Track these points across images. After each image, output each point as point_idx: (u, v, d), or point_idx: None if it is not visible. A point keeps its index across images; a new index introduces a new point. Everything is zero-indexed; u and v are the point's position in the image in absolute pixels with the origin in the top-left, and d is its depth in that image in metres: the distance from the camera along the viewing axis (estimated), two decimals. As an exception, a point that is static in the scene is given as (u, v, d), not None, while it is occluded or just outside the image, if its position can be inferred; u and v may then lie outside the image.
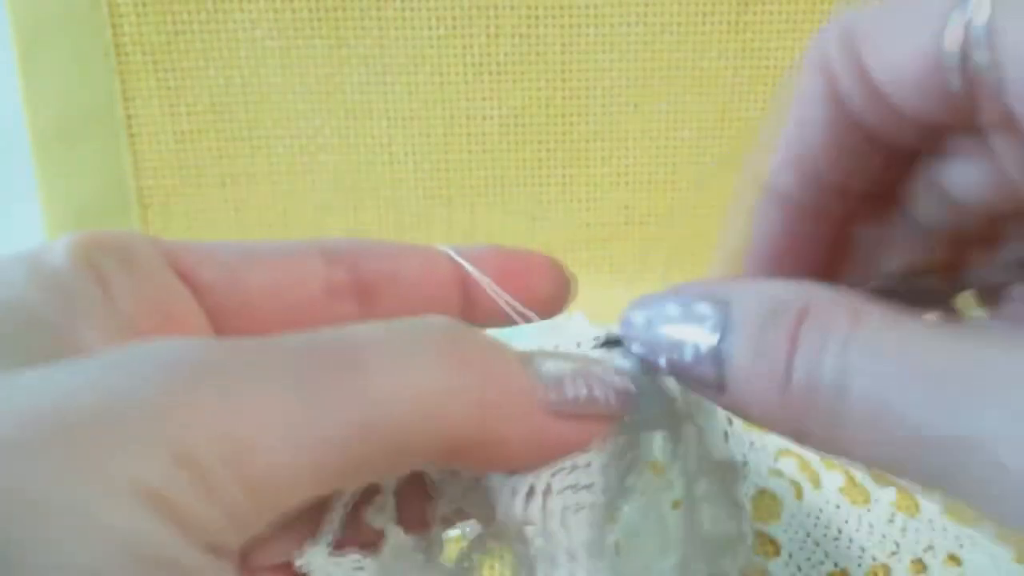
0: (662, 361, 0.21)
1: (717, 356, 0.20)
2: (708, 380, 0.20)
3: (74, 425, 0.15)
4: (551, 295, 0.25)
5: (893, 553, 0.39)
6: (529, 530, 0.20)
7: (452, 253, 0.24)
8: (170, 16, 0.47)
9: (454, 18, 0.48)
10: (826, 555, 0.39)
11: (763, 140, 0.24)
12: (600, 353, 0.23)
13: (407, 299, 0.24)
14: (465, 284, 0.24)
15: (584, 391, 0.20)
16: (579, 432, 0.21)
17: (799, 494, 0.41)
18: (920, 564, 0.38)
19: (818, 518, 0.40)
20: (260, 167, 0.50)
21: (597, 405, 0.21)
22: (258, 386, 0.17)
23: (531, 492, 0.20)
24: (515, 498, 0.20)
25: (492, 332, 0.24)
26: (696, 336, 0.20)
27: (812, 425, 0.18)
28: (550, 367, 0.20)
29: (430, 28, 0.48)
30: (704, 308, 0.20)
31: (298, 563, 0.21)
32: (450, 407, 0.18)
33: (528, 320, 0.24)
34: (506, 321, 0.25)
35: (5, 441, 0.15)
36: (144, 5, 0.47)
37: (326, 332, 0.19)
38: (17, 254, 0.20)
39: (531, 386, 0.20)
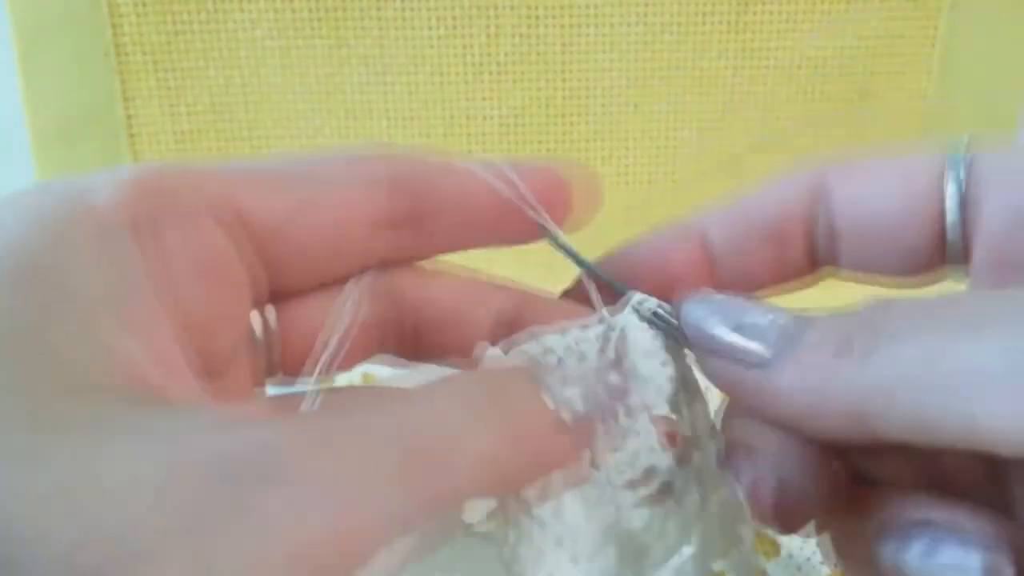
0: (713, 345, 0.21)
1: (784, 330, 0.20)
2: (757, 351, 0.20)
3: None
4: (559, 202, 0.26)
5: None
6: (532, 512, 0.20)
7: (508, 171, 0.24)
8: (170, 16, 0.47)
9: (454, 18, 0.48)
10: (826, 555, 0.39)
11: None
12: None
13: (454, 220, 0.24)
14: (500, 201, 0.24)
15: (590, 407, 0.21)
16: (580, 442, 0.21)
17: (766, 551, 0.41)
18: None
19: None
20: (260, 167, 0.50)
21: (600, 416, 0.21)
22: (340, 489, 0.16)
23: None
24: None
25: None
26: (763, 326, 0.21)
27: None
28: (561, 389, 0.21)
29: (430, 28, 0.48)
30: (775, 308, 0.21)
31: None
32: (497, 469, 0.18)
33: (554, 235, 0.25)
34: (535, 237, 0.25)
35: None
36: (144, 5, 0.47)
37: (380, 412, 0.18)
38: (74, 194, 0.19)
39: (554, 424, 0.20)
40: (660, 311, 0.23)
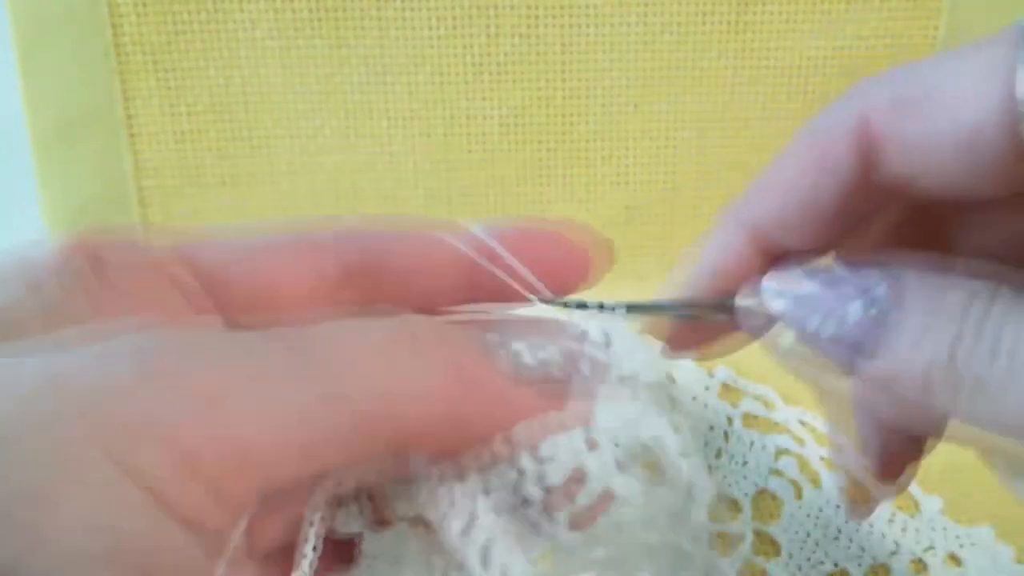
0: (813, 320, 0.21)
1: (887, 322, 0.20)
2: (866, 344, 0.20)
3: (65, 403, 0.16)
4: (566, 271, 0.25)
5: (893, 553, 0.39)
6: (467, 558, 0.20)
7: (478, 230, 0.25)
8: (170, 16, 0.47)
9: (454, 18, 0.48)
10: (826, 555, 0.39)
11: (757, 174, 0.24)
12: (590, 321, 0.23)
13: (414, 281, 0.24)
14: (471, 262, 0.24)
15: (547, 355, 0.21)
16: (541, 398, 0.21)
17: (799, 494, 0.41)
18: (920, 564, 0.38)
19: (818, 518, 0.40)
20: (260, 167, 0.50)
21: (561, 369, 0.22)
22: (235, 366, 0.17)
23: (468, 524, 0.20)
24: (451, 528, 0.20)
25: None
26: (862, 299, 0.20)
27: (969, 392, 0.19)
28: (517, 344, 0.21)
29: (430, 28, 0.48)
30: (874, 274, 0.20)
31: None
32: (414, 391, 0.19)
33: (539, 296, 0.24)
34: (515, 299, 0.25)
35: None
36: (144, 5, 0.47)
37: (303, 331, 0.19)
38: (11, 267, 0.20)
39: (493, 361, 0.21)
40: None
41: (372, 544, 0.22)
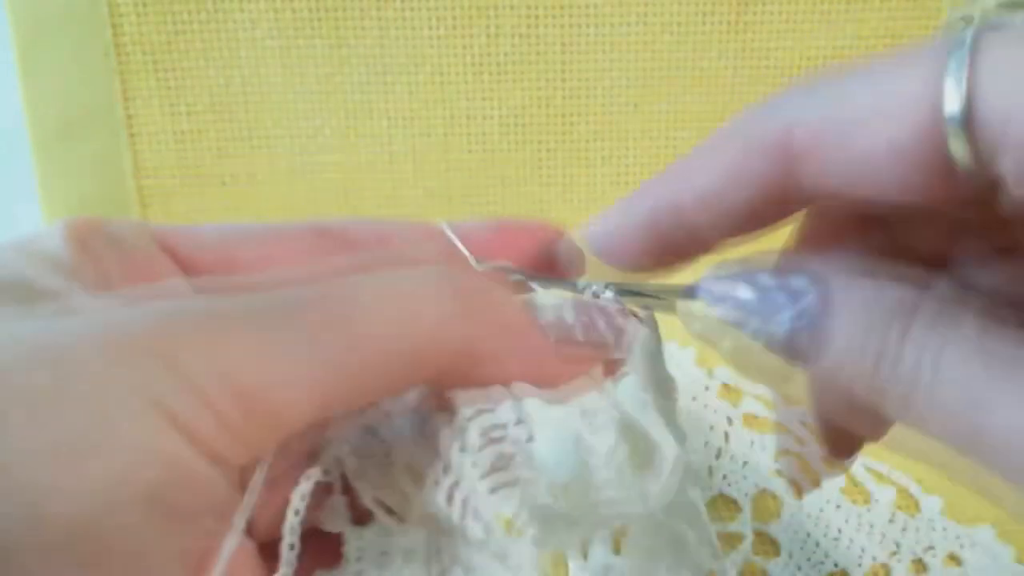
0: (750, 325, 0.21)
1: (817, 330, 0.20)
2: (800, 350, 0.20)
3: (89, 349, 0.16)
4: (545, 261, 0.25)
5: (893, 553, 0.39)
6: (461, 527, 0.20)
7: (447, 230, 0.25)
8: (170, 16, 0.47)
9: (454, 18, 0.48)
10: (826, 555, 0.39)
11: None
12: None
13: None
14: (458, 260, 0.24)
15: (582, 317, 0.21)
16: (576, 358, 0.21)
17: (799, 494, 0.41)
18: (920, 564, 0.38)
19: (818, 518, 0.40)
20: (260, 167, 0.50)
21: (594, 333, 0.22)
22: (250, 321, 0.18)
23: (452, 490, 0.20)
24: (438, 494, 0.20)
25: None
26: (791, 308, 0.20)
27: (896, 402, 0.19)
28: (546, 300, 0.21)
29: (430, 28, 0.48)
30: (802, 283, 0.20)
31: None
32: (443, 331, 0.19)
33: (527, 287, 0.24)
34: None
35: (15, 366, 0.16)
36: (144, 5, 0.47)
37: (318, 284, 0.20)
38: (10, 242, 0.21)
39: (525, 313, 0.21)
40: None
41: (355, 543, 0.22)
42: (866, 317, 0.19)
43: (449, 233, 0.25)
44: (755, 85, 0.50)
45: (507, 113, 0.50)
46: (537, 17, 0.48)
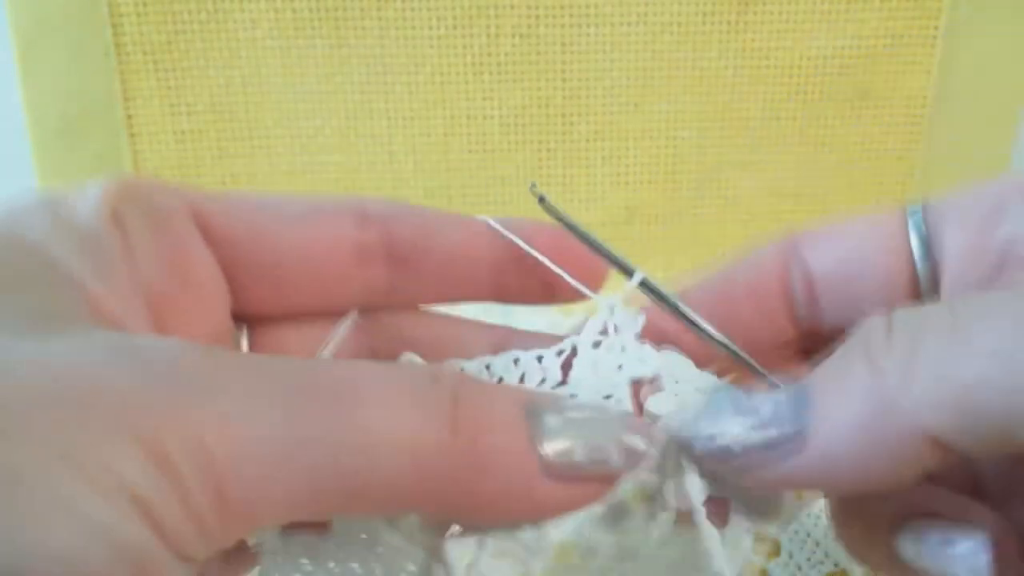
0: (736, 442, 0.21)
1: (799, 429, 0.20)
2: (788, 443, 0.20)
3: (62, 407, 0.15)
4: (596, 272, 0.24)
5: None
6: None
7: (496, 224, 0.23)
8: (170, 16, 0.47)
9: (454, 18, 0.48)
10: (826, 555, 0.39)
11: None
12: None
13: (439, 269, 0.23)
14: (501, 258, 0.23)
15: (588, 455, 0.19)
16: (576, 494, 0.20)
17: (799, 494, 0.41)
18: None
19: (818, 518, 0.40)
20: (260, 167, 0.50)
21: (600, 468, 0.20)
22: (245, 402, 0.16)
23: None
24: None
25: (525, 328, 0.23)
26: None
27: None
28: (555, 423, 0.19)
29: (430, 28, 0.48)
30: (776, 397, 0.20)
31: (251, 541, 0.21)
32: (435, 465, 0.18)
33: (583, 296, 0.23)
34: (553, 299, 0.24)
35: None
36: (144, 5, 0.47)
37: (326, 363, 0.18)
38: (47, 198, 0.20)
39: (527, 448, 0.19)
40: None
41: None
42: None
43: (496, 226, 0.23)
44: (755, 85, 0.50)
45: (507, 113, 0.50)
46: (537, 17, 0.48)
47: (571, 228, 0.23)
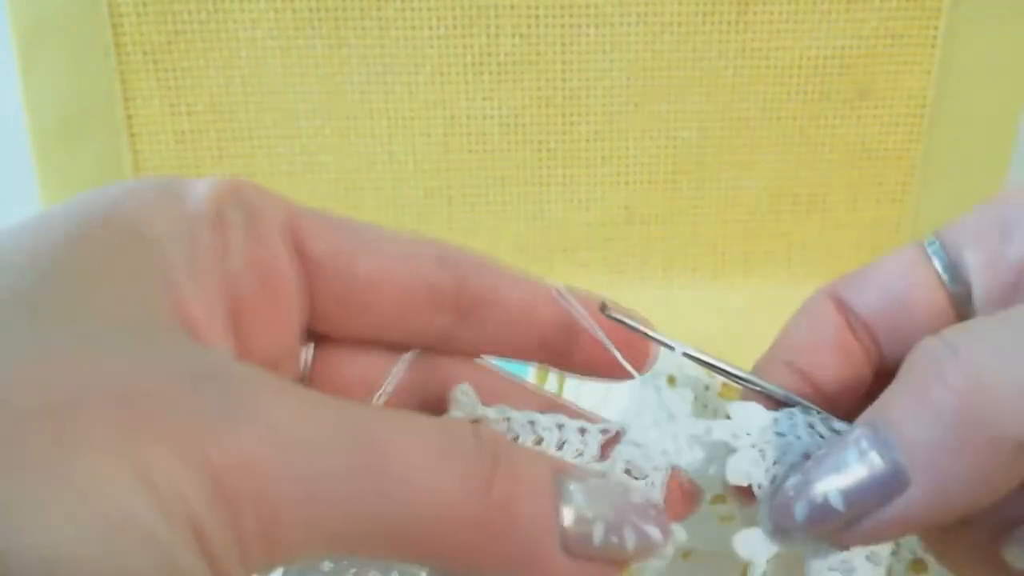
0: (833, 498, 0.21)
1: (894, 465, 0.20)
2: (888, 484, 0.20)
3: (135, 423, 0.15)
4: (649, 354, 0.25)
5: (893, 553, 0.38)
6: None
7: (563, 292, 0.24)
8: (170, 16, 0.47)
9: (454, 18, 0.48)
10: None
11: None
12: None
13: (499, 325, 0.24)
14: (566, 327, 0.24)
15: (611, 537, 0.20)
16: (585, 573, 0.20)
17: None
18: (921, 564, 0.38)
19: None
20: (260, 167, 0.50)
21: (619, 552, 0.20)
22: (303, 441, 0.17)
23: None
24: None
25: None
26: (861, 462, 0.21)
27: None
28: (583, 499, 0.20)
29: (430, 28, 0.48)
30: (858, 444, 0.21)
31: None
32: (466, 528, 0.18)
33: (629, 377, 0.24)
34: (600, 373, 0.25)
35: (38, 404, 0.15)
36: (144, 5, 0.47)
37: (379, 411, 0.19)
38: (165, 183, 0.20)
39: (552, 519, 0.19)
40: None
41: None
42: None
43: (564, 296, 0.24)
44: (755, 85, 0.50)
45: (507, 113, 0.50)
46: (537, 17, 0.48)
47: (634, 328, 0.24)
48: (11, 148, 0.48)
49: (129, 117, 0.49)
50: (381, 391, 0.23)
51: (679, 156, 0.51)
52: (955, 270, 0.25)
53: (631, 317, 0.24)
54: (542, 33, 0.48)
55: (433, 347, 0.24)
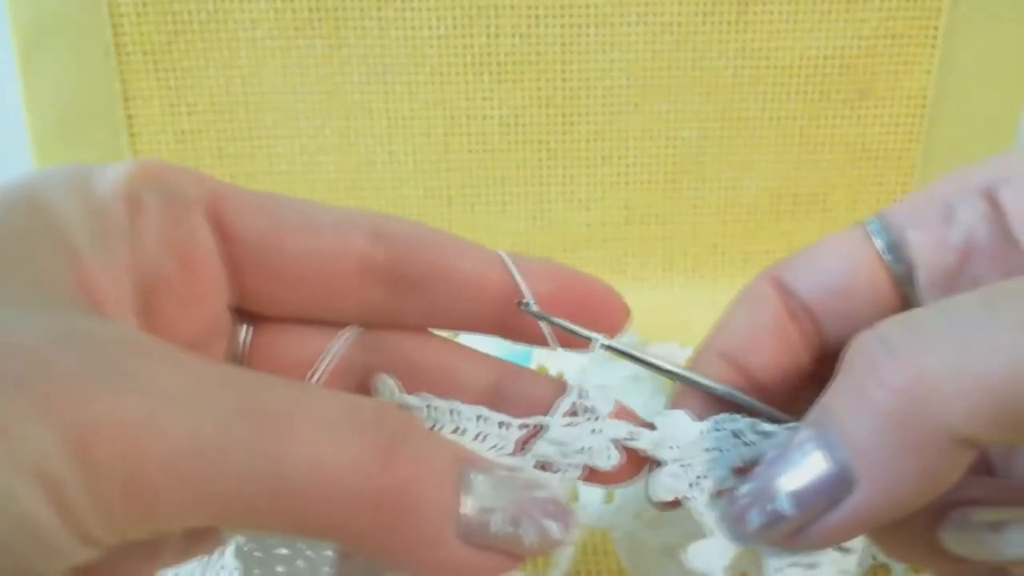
0: (784, 503, 0.21)
1: (840, 466, 0.20)
2: (836, 485, 0.20)
3: None
4: (609, 325, 0.24)
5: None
6: None
7: (507, 260, 0.23)
8: (170, 16, 0.47)
9: (454, 18, 0.48)
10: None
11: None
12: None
13: (446, 297, 0.23)
14: (509, 294, 0.23)
15: (509, 528, 0.20)
16: (483, 564, 0.20)
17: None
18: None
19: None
20: (260, 167, 0.50)
21: (517, 545, 0.20)
22: (180, 403, 0.17)
23: None
24: None
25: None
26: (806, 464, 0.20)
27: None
28: (485, 489, 0.20)
29: (430, 28, 0.48)
30: (803, 447, 0.20)
31: None
32: (358, 504, 0.18)
33: (584, 345, 0.23)
34: (540, 340, 0.24)
35: None
36: (144, 5, 0.47)
37: (275, 380, 0.19)
38: (74, 168, 0.21)
39: (451, 502, 0.19)
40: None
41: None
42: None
43: (511, 265, 0.23)
44: (755, 85, 0.50)
45: (507, 113, 0.50)
46: (537, 17, 0.48)
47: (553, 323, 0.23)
48: (11, 148, 0.48)
49: (129, 117, 0.49)
50: (315, 369, 0.23)
51: (679, 156, 0.51)
52: (898, 251, 0.25)
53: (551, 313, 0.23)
54: (542, 33, 0.48)
55: (378, 323, 0.24)
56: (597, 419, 0.23)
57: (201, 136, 0.49)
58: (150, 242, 0.21)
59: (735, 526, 0.22)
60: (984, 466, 0.25)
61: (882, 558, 0.39)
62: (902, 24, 0.49)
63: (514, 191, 0.52)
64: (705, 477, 0.23)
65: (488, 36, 0.48)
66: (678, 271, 0.54)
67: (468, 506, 0.19)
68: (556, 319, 0.23)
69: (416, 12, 0.48)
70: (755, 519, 0.21)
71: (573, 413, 0.23)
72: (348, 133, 0.50)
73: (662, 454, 0.23)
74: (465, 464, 0.20)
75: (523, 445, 0.23)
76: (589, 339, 0.23)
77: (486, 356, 0.25)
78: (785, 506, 0.20)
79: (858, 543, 0.22)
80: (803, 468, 0.20)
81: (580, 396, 0.23)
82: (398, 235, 0.23)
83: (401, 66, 0.49)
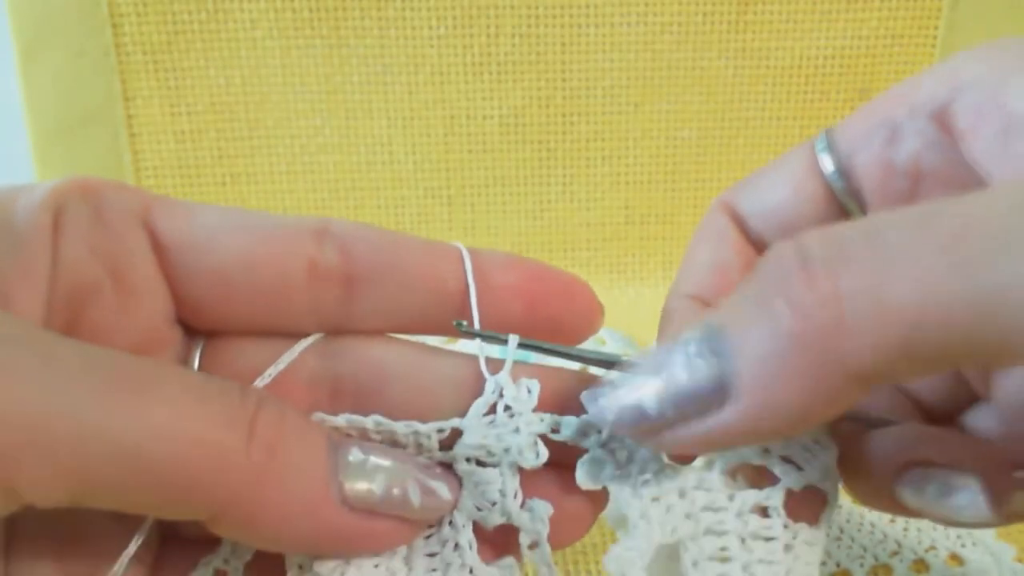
0: (650, 401, 0.19)
1: (721, 377, 0.18)
2: (709, 395, 0.18)
3: None
4: (578, 322, 0.23)
5: (895, 553, 0.38)
6: None
7: (464, 254, 0.23)
8: (170, 16, 0.47)
9: (454, 18, 0.48)
10: (828, 555, 0.39)
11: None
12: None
13: (399, 297, 0.23)
14: (466, 291, 0.23)
15: (393, 492, 0.20)
16: (376, 529, 0.20)
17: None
18: (922, 564, 0.38)
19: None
20: (260, 167, 0.50)
21: (405, 507, 0.20)
22: (45, 378, 0.17)
23: None
24: None
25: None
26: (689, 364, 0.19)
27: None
28: (357, 460, 0.20)
29: (430, 28, 0.48)
30: (686, 348, 0.19)
31: None
32: (224, 470, 0.18)
33: (497, 341, 0.22)
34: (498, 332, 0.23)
35: None
36: (144, 5, 0.47)
37: (138, 359, 0.19)
38: (12, 184, 0.21)
39: (324, 469, 0.19)
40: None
41: None
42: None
43: (466, 257, 0.23)
44: (755, 85, 0.50)
45: (507, 113, 0.50)
46: (537, 17, 0.48)
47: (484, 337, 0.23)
48: (11, 148, 0.48)
49: (129, 117, 0.49)
50: (269, 373, 0.22)
51: (679, 156, 0.51)
52: (846, 175, 0.24)
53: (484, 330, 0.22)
54: (542, 33, 0.48)
55: (331, 327, 0.23)
56: (518, 415, 0.22)
57: (201, 136, 0.49)
58: (76, 252, 0.21)
59: (596, 414, 0.20)
60: (964, 389, 0.25)
61: (883, 559, 0.39)
62: (902, 24, 0.49)
63: (514, 191, 0.52)
64: (631, 461, 0.22)
65: (488, 36, 0.48)
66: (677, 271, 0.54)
67: (345, 471, 0.19)
68: (487, 332, 0.22)
69: (416, 12, 0.48)
70: (611, 410, 0.19)
71: (492, 412, 0.22)
72: (348, 133, 0.50)
73: (586, 442, 0.22)
74: (334, 439, 0.20)
75: (445, 449, 0.22)
76: (501, 340, 0.23)
77: (453, 353, 0.24)
78: (651, 405, 0.19)
79: (820, 534, 0.22)
80: (678, 369, 0.18)
81: (497, 393, 0.22)
82: (347, 234, 0.22)
83: (401, 66, 0.49)
